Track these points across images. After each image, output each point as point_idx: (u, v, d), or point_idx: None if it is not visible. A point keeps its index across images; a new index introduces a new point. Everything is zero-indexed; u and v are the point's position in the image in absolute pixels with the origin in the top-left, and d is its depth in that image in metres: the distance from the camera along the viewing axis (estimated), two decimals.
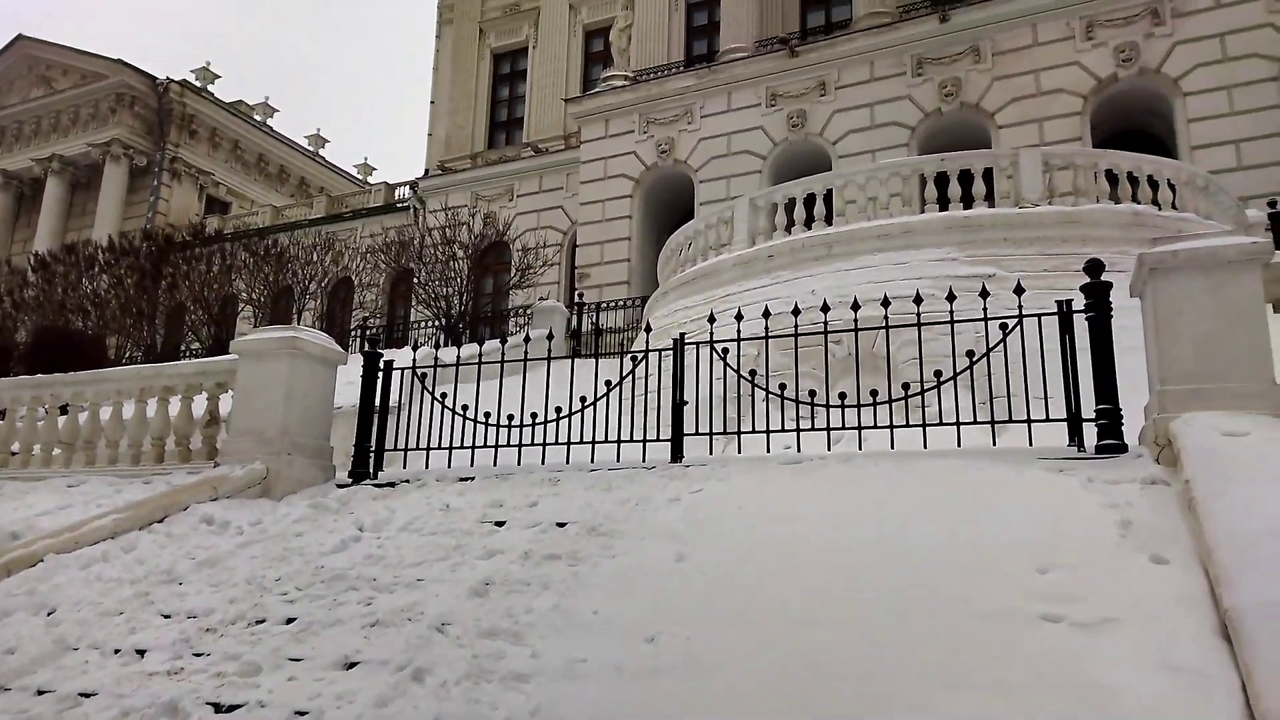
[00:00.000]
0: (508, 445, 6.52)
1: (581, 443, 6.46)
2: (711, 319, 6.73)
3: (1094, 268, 5.31)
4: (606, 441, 6.47)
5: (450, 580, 4.40)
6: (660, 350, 6.74)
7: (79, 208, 31.22)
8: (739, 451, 6.71)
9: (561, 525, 4.97)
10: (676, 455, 6.24)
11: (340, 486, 6.55)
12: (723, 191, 18.53)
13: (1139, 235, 9.75)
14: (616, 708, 3.13)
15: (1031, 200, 10.58)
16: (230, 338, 19.41)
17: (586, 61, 24.27)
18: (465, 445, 6.63)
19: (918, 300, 6.16)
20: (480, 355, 7.17)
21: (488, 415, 6.54)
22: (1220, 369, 4.51)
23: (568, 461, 6.44)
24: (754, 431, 6.42)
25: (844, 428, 6.16)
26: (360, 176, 38.40)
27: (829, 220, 11.67)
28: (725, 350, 6.39)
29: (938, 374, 5.91)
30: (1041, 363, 5.62)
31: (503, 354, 7.11)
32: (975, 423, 5.81)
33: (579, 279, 20.05)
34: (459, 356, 7.19)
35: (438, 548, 4.89)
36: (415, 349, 7.86)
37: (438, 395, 6.73)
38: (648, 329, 7.28)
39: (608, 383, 6.60)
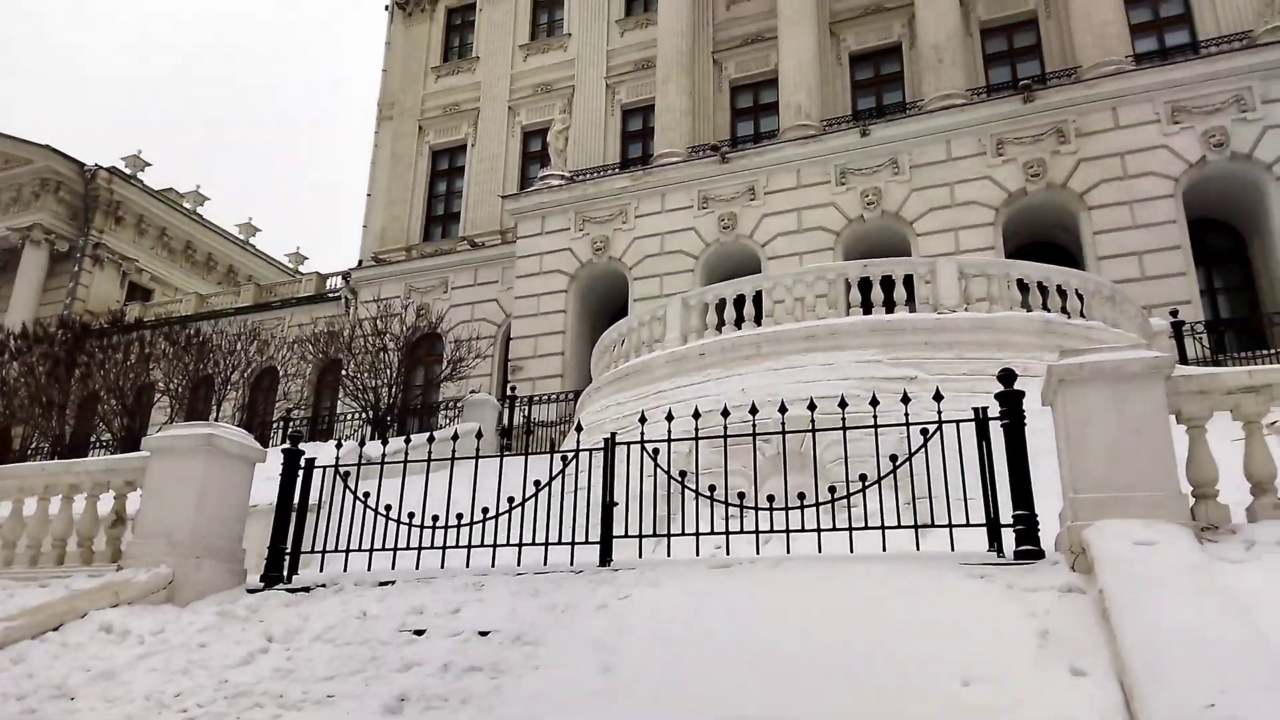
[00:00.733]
0: (431, 547, 6.34)
1: (508, 545, 6.33)
2: (643, 419, 6.75)
3: (1007, 377, 5.52)
4: (534, 544, 6.34)
5: (364, 696, 4.20)
6: (591, 449, 6.71)
7: None
8: (668, 554, 6.66)
9: (484, 634, 4.81)
10: (605, 558, 6.15)
11: (251, 592, 6.25)
12: (656, 289, 18.86)
13: (1051, 342, 10.20)
14: None
15: (949, 306, 11.01)
16: (144, 429, 18.72)
17: (524, 160, 24.75)
18: (386, 547, 6.43)
19: (842, 404, 6.29)
20: (406, 452, 7.03)
21: (411, 516, 6.37)
22: (1128, 478, 4.67)
23: (493, 564, 6.28)
24: (683, 534, 6.39)
25: (772, 530, 6.17)
26: (292, 266, 38.00)
27: (758, 320, 11.92)
28: (656, 450, 6.40)
29: (863, 477, 5.99)
30: (961, 466, 5.77)
31: (429, 451, 6.98)
32: (899, 527, 5.88)
33: (512, 372, 19.99)
34: (384, 453, 7.02)
35: (352, 659, 4.68)
36: (340, 444, 7.67)
37: (360, 494, 6.54)
38: (579, 428, 7.25)
39: (536, 483, 6.51)
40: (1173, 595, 3.63)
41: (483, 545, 6.29)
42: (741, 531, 6.17)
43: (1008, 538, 5.43)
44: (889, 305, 11.37)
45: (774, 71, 21.26)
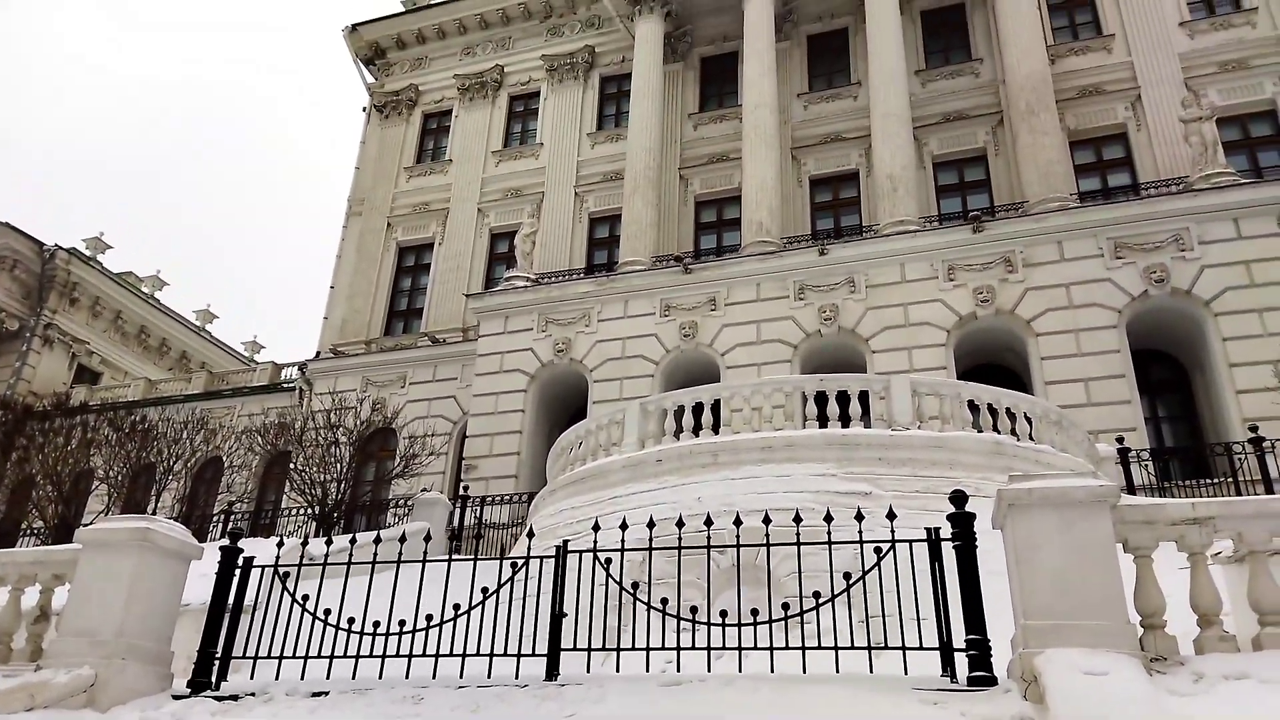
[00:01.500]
0: (370, 655, 6.09)
1: (451, 655, 6.10)
2: (596, 527, 6.66)
3: (958, 498, 5.57)
4: (478, 655, 6.13)
5: None
6: (542, 557, 6.58)
7: None
8: (618, 668, 6.47)
9: None
10: (552, 672, 5.95)
11: (177, 698, 5.92)
12: (616, 392, 18.92)
13: (1001, 463, 10.37)
14: None
15: (903, 424, 11.18)
16: (79, 517, 18.00)
17: (490, 260, 25.06)
18: (322, 654, 6.17)
19: (797, 520, 6.28)
20: (350, 552, 6.82)
21: (351, 621, 6.14)
22: (1077, 606, 4.69)
23: (435, 676, 6.04)
24: (634, 649, 6.22)
25: (725, 648, 6.04)
26: (247, 354, 37.59)
27: (716, 429, 11.96)
28: (609, 560, 6.29)
29: (817, 594, 5.94)
30: (914, 585, 5.76)
31: (375, 552, 6.80)
32: (853, 648, 5.80)
33: (465, 471, 19.69)
34: (327, 553, 6.82)
35: None
36: (281, 541, 7.43)
37: (299, 597, 6.31)
38: (530, 534, 7.11)
39: (484, 590, 6.34)
40: None
41: (424, 655, 6.06)
42: (693, 647, 6.03)
43: (961, 661, 5.38)
44: (844, 420, 11.51)
45: (737, 189, 22.04)
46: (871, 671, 5.65)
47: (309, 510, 17.17)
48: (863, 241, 19.11)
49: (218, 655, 6.29)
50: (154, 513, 17.36)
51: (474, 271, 24.87)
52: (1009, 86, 20.44)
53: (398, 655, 6.08)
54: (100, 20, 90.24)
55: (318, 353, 25.11)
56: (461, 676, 5.99)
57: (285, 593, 6.38)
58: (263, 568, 6.72)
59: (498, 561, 6.88)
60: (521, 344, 20.61)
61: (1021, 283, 17.52)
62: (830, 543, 5.95)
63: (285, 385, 25.46)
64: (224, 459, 20.77)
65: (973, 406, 11.65)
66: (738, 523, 6.51)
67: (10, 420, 19.84)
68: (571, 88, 26.29)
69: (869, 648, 5.75)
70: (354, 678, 6.13)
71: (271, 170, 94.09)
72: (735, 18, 23.71)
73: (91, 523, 6.71)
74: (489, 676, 5.95)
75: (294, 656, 6.22)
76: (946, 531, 5.71)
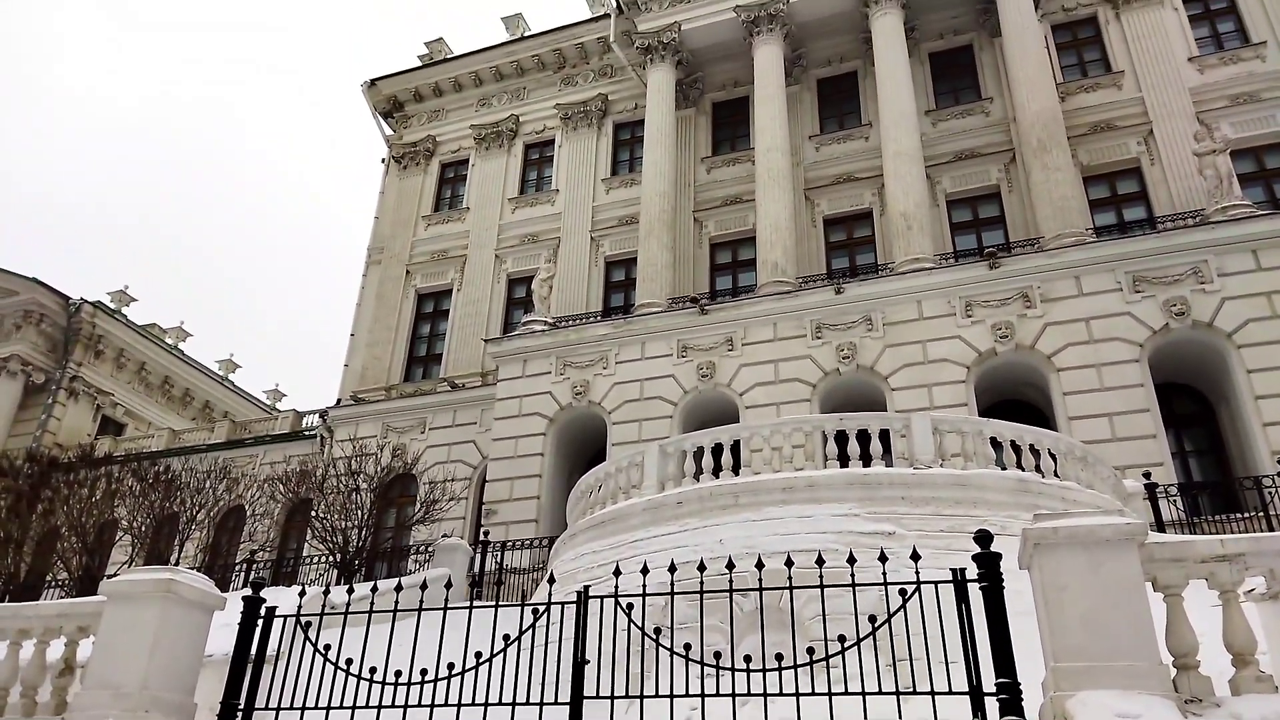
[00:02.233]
0: (392, 705, 6.05)
1: (473, 705, 6.05)
2: (617, 572, 6.63)
3: (984, 538, 5.51)
4: (500, 704, 6.07)
5: None
6: (563, 603, 6.55)
7: None
8: (641, 716, 6.39)
9: None
10: None
11: None
12: (635, 434, 18.92)
13: (1026, 501, 10.24)
14: None
15: (925, 462, 11.09)
16: (103, 568, 18.06)
17: (508, 305, 25.28)
18: (344, 705, 6.13)
19: (820, 561, 6.22)
20: (372, 600, 6.82)
21: (373, 670, 6.11)
22: (1108, 647, 4.60)
23: None
24: (658, 696, 6.15)
25: (750, 694, 5.96)
26: (269, 403, 37.92)
27: (736, 470, 11.91)
28: (630, 606, 6.25)
29: (842, 638, 5.87)
30: (941, 628, 5.67)
31: (396, 600, 6.78)
32: (881, 693, 5.71)
33: (486, 516, 19.66)
34: (348, 602, 6.80)
35: None
36: (303, 590, 7.43)
37: (320, 647, 6.29)
38: (551, 579, 7.08)
39: (505, 637, 6.31)
40: None
41: (446, 704, 6.02)
42: (718, 694, 5.96)
43: (991, 706, 5.27)
44: (866, 459, 11.43)
45: (752, 231, 22.19)
46: (900, 718, 5.55)
47: (330, 558, 17.17)
48: (879, 279, 19.14)
49: (240, 707, 6.27)
50: (177, 563, 17.44)
51: (492, 316, 25.07)
52: (1020, 124, 20.57)
53: (420, 705, 6.04)
54: (112, 67, 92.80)
55: (338, 400, 25.30)
56: None
57: (307, 642, 6.37)
58: (285, 617, 6.72)
59: (519, 608, 6.86)
60: (540, 387, 20.68)
61: (1040, 318, 17.45)
62: (854, 585, 5.88)
63: (306, 433, 25.62)
64: (246, 507, 20.83)
65: (995, 443, 11.55)
66: (760, 565, 6.45)
67: (36, 473, 20.03)
68: (586, 135, 26.68)
69: (897, 693, 5.65)
70: None
71: (293, 220, 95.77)
72: (745, 64, 24.06)
73: (116, 574, 6.76)
74: None
75: (316, 707, 6.19)
76: (972, 572, 5.63)
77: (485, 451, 21.57)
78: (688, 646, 6.12)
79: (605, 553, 11.67)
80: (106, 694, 5.98)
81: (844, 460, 11.48)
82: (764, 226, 21.06)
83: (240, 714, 6.25)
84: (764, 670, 5.81)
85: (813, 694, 5.79)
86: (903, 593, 5.76)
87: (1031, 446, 11.54)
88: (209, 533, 19.92)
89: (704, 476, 12.03)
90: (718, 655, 6.17)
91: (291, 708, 6.32)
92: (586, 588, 6.76)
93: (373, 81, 29.55)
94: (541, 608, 6.49)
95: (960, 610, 5.59)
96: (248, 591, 6.75)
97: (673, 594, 6.35)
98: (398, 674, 6.10)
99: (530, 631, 6.44)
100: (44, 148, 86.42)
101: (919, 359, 17.90)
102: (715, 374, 19.34)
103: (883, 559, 6.00)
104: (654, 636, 6.24)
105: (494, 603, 6.84)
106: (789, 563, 6.37)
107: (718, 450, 12.31)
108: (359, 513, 17.23)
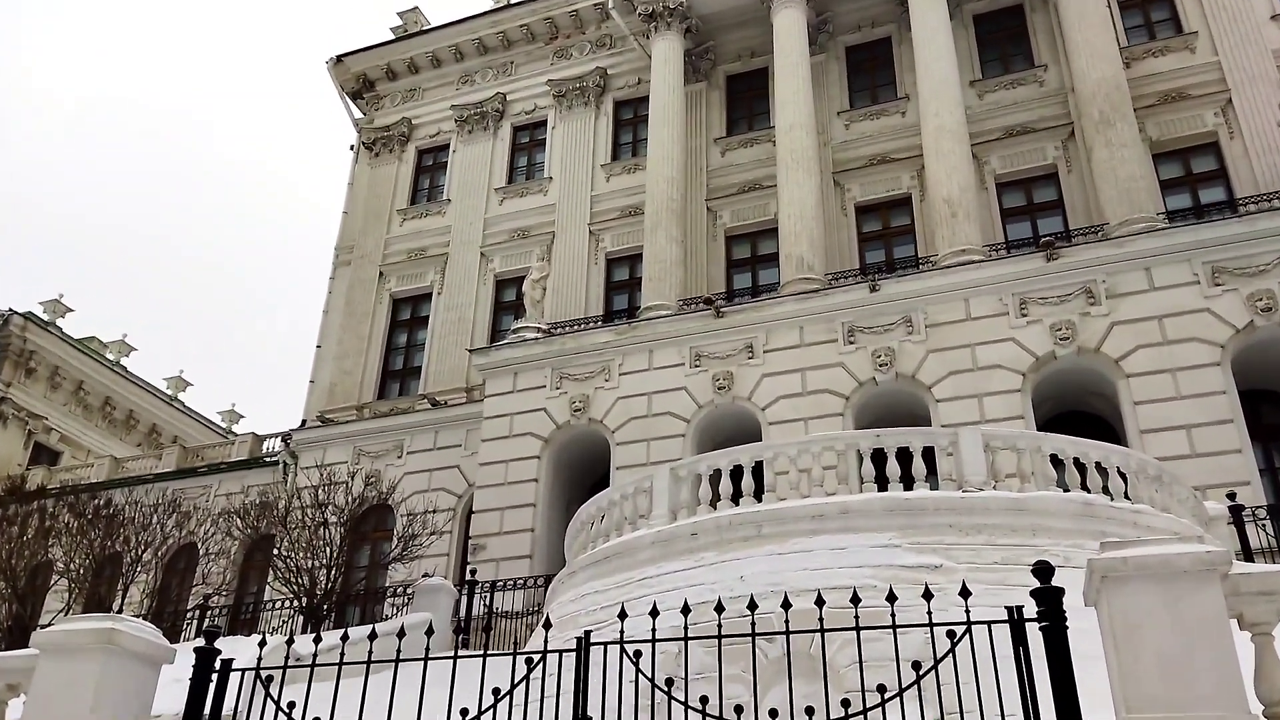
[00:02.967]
0: None
1: None
2: (623, 615, 6.61)
3: (1044, 571, 5.48)
4: None
5: None
6: (561, 650, 6.53)
7: None
8: None
9: None
10: None
11: None
12: (642, 455, 18.94)
13: (1092, 527, 10.19)
14: None
15: (975, 483, 11.04)
16: (36, 617, 18.12)
17: (496, 310, 25.38)
18: None
19: (855, 600, 6.19)
20: (342, 650, 6.82)
21: None
22: (1187, 694, 4.56)
23: None
24: None
25: None
26: (225, 425, 38.09)
27: (758, 495, 11.89)
28: (638, 653, 6.23)
29: (881, 688, 5.83)
30: (995, 674, 5.62)
31: (370, 649, 6.77)
32: None
33: (473, 552, 19.67)
34: (315, 652, 6.79)
35: None
36: (264, 639, 7.44)
37: (284, 705, 6.28)
38: (547, 624, 7.07)
39: (495, 691, 6.29)
40: None
41: None
42: None
43: None
44: (907, 481, 11.38)
45: (773, 221, 22.20)
46: None
47: (295, 602, 17.18)
48: (919, 275, 19.14)
49: None
50: (120, 610, 17.46)
51: (478, 323, 25.18)
52: (1079, 95, 20.57)
53: None
54: (49, 43, 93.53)
55: (303, 421, 25.37)
56: None
57: (269, 700, 6.37)
58: (243, 671, 6.71)
59: (510, 657, 6.84)
60: (533, 404, 20.72)
61: (1106, 316, 17.40)
62: (895, 626, 5.86)
63: (267, 459, 25.69)
64: (199, 546, 20.90)
65: (1056, 462, 11.49)
66: (787, 605, 6.42)
67: None
68: (582, 115, 26.78)
69: None
70: None
71: (254, 219, 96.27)
72: (764, 30, 24.09)
73: (50, 623, 6.77)
74: None
75: None
76: (1031, 610, 5.60)
77: (471, 478, 21.59)
78: (704, 700, 6.10)
79: (609, 592, 11.65)
80: None
81: (882, 483, 11.42)
82: (787, 216, 21.08)
83: None
84: None
85: None
86: (951, 635, 5.73)
87: (1098, 464, 11.48)
88: (156, 575, 19.94)
89: (722, 503, 12.02)
90: (739, 710, 6.14)
91: None
92: (588, 633, 6.74)
93: (339, 58, 29.68)
94: (536, 657, 6.48)
95: (1017, 654, 5.56)
96: (200, 642, 6.74)
97: (687, 639, 6.32)
98: None
99: (524, 684, 6.42)
100: None
101: (967, 365, 17.86)
102: (734, 385, 19.34)
103: (928, 596, 5.97)
104: (665, 689, 6.22)
105: (482, 652, 6.82)
106: (820, 602, 6.35)
107: (737, 473, 12.29)
108: (327, 550, 17.26)
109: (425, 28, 30.13)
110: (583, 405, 20.33)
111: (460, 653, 8.65)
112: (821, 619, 6.26)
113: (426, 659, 6.54)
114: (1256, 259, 16.89)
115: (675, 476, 12.70)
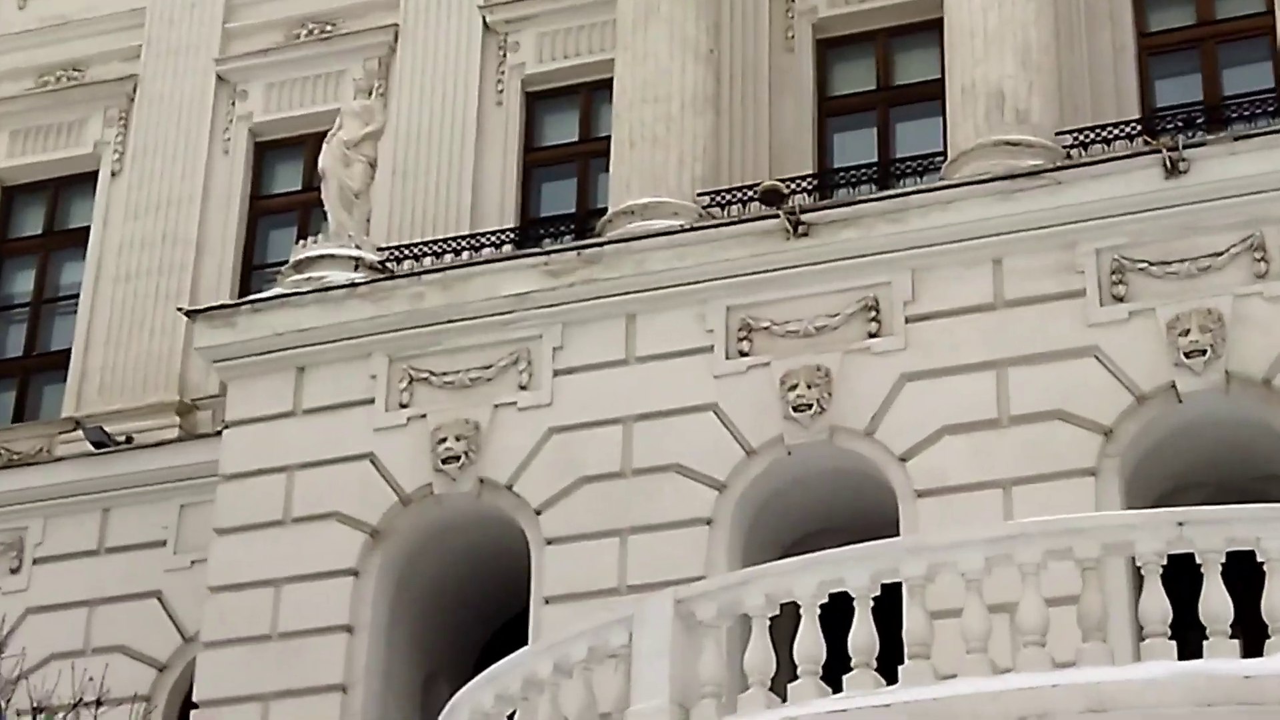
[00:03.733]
0: None
1: None
2: None
3: None
4: None
5: None
6: None
7: None
8: None
9: None
10: None
11: None
12: (610, 564, 19.20)
13: None
14: None
15: None
16: None
17: (251, 218, 26.11)
18: None
19: None
20: None
21: None
22: None
23: None
24: None
25: None
26: None
27: (891, 668, 12.03)
28: None
29: None
30: None
31: None
32: None
33: None
34: None
35: None
36: None
37: None
38: None
39: None
40: None
41: None
42: None
43: None
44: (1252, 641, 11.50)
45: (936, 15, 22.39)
46: None
47: None
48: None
49: None
50: None
51: (206, 253, 25.70)
52: None
53: None
54: None
55: None
56: None
57: None
58: None
59: None
60: (346, 441, 20.96)
61: None
62: None
63: None
64: None
65: None
66: None
67: None
68: None
69: None
70: None
71: None
72: None
73: None
74: None
75: None
76: None
77: (192, 623, 21.77)
78: None
79: None
80: None
81: (1184, 641, 11.56)
82: (954, 1, 21.22)
83: None
84: None
85: None
86: None
87: None
88: None
89: (800, 684, 12.11)
90: None
91: None
92: None
93: None
94: None
95: None
96: None
97: None
98: None
99: None
100: None
101: None
102: (830, 399, 19.36)
103: None
104: None
105: None
106: None
107: (837, 611, 12.41)
108: None
109: None
110: (465, 445, 20.35)
111: None
112: None
113: None
114: None
115: (688, 618, 12.81)
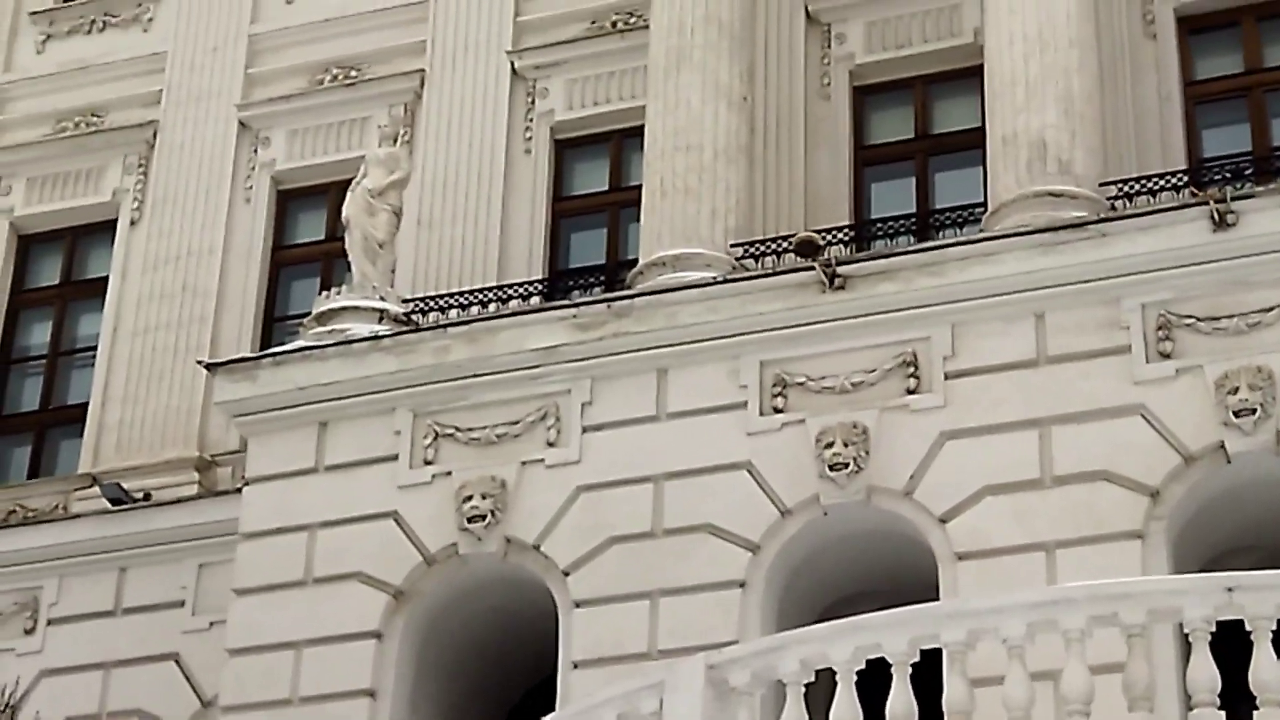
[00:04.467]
0: None
1: None
2: None
3: None
4: None
5: None
6: None
7: None
8: None
9: None
10: None
11: None
12: (640, 627, 18.98)
13: None
14: None
15: None
16: None
17: (274, 270, 26.29)
18: None
19: None
20: None
21: None
22: None
23: None
24: None
25: None
26: None
27: None
28: None
29: None
30: None
31: None
32: None
33: None
34: None
35: None
36: None
37: None
38: None
39: None
40: None
41: None
42: None
43: None
44: None
45: (972, 49, 22.37)
46: None
47: None
48: None
49: None
50: None
51: (227, 304, 25.75)
52: None
53: None
54: None
55: None
56: None
57: None
58: None
59: None
60: (370, 499, 20.86)
61: None
62: None
63: None
64: None
65: None
66: None
67: None
68: None
69: None
70: None
71: None
72: None
73: None
74: None
75: None
76: None
77: (209, 685, 21.73)
78: None
79: None
80: None
81: (1234, 714, 11.48)
82: (995, 47, 21.23)
83: None
84: None
85: None
86: None
87: None
88: None
89: None
90: None
91: None
92: None
93: None
94: None
95: None
96: None
97: None
98: None
99: None
100: None
101: None
102: (867, 457, 19.30)
103: None
104: None
105: None
106: None
107: (872, 675, 12.35)
108: None
109: None
110: (491, 503, 20.30)
111: None
112: None
113: None
114: None
115: (720, 685, 12.75)
